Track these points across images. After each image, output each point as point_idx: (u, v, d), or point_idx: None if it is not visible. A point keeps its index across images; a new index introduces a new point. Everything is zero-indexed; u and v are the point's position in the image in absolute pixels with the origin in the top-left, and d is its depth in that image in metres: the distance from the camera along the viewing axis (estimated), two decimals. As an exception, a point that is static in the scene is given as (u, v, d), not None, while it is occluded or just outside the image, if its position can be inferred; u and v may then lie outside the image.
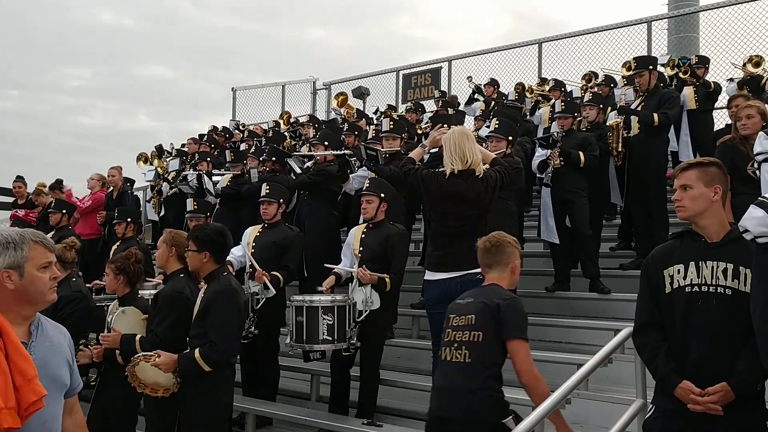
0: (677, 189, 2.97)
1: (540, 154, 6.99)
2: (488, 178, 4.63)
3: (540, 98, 9.85)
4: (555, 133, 7.01)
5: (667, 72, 8.51)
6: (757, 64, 8.49)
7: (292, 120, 12.89)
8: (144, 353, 4.11)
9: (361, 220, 5.97)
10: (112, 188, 9.68)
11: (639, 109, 7.04)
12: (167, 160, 11.31)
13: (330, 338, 4.91)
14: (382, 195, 5.53)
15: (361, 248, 5.41)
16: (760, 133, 4.02)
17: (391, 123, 7.03)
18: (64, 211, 8.72)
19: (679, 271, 2.88)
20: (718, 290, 2.80)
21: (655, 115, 6.78)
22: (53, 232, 8.59)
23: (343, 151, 7.73)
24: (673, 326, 2.89)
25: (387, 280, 5.16)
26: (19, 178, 10.81)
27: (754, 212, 2.55)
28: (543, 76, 11.92)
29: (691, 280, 2.85)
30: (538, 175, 7.22)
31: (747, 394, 2.74)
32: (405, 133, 7.47)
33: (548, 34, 13.08)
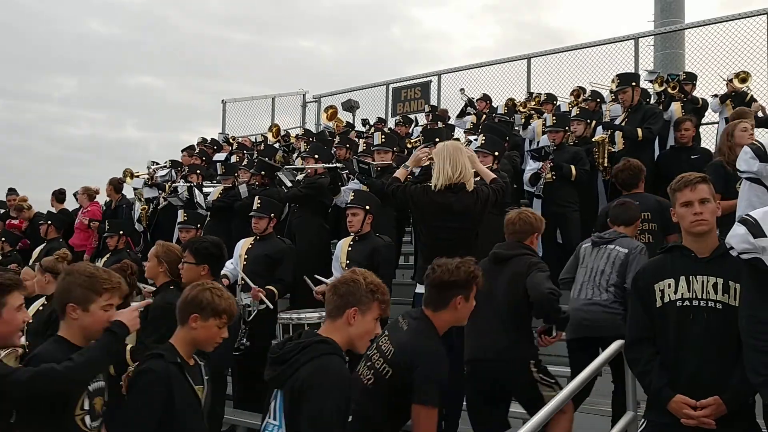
0: (695, 202, 2.92)
1: (532, 167, 7.04)
2: (479, 192, 4.65)
3: (532, 112, 9.92)
4: (548, 146, 7.07)
5: (656, 88, 8.62)
6: (743, 80, 8.59)
7: (282, 133, 12.89)
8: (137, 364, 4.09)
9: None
10: (110, 200, 9.70)
11: (623, 124, 7.13)
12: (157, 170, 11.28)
13: None
14: (367, 207, 5.56)
15: (347, 261, 5.43)
16: (746, 148, 3.99)
17: (383, 136, 7.08)
18: (49, 222, 8.70)
19: (669, 285, 2.91)
20: (709, 305, 2.83)
21: (639, 130, 6.88)
22: (44, 244, 8.55)
23: (334, 164, 7.76)
24: (666, 340, 2.92)
25: None
26: (12, 191, 10.76)
27: (737, 229, 2.62)
28: (532, 90, 12.01)
29: (682, 294, 2.88)
30: (528, 189, 7.26)
31: (739, 408, 2.78)
32: (396, 146, 7.51)
33: (539, 48, 13.17)
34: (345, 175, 8.05)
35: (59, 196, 10.04)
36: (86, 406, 2.68)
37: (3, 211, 10.91)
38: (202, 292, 2.91)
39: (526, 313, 3.93)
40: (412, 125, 11.79)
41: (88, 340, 2.77)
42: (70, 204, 10.10)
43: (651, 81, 8.73)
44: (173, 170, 10.64)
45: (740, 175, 4.02)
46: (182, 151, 11.84)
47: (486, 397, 3.97)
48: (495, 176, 4.93)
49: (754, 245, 2.55)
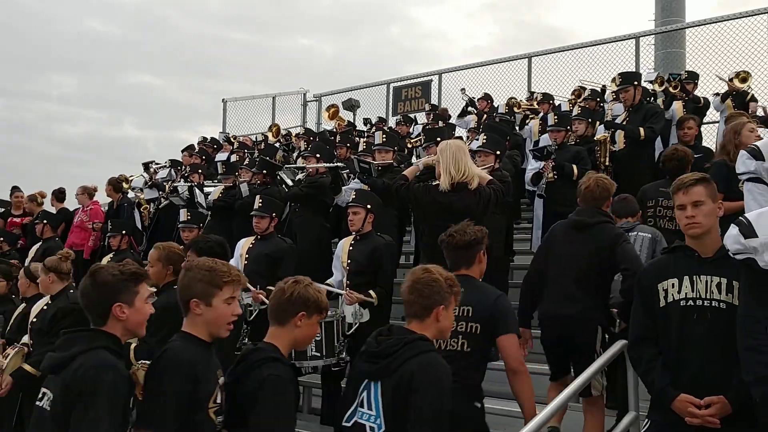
0: (687, 205, 2.94)
1: (533, 166, 7.04)
2: (482, 192, 4.65)
3: (529, 112, 9.93)
4: (549, 146, 7.07)
5: (656, 88, 8.62)
6: (744, 80, 8.60)
7: (283, 132, 12.88)
8: (142, 362, 4.08)
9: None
10: (111, 200, 9.72)
11: (624, 123, 7.13)
12: (158, 170, 11.29)
13: (318, 354, 4.92)
14: (369, 206, 5.56)
15: (349, 260, 5.44)
16: (742, 152, 4.05)
17: (384, 136, 7.07)
18: (45, 221, 8.71)
19: (673, 285, 2.92)
20: (713, 304, 2.84)
21: (641, 129, 6.89)
22: (39, 243, 8.56)
23: (335, 164, 7.76)
24: (669, 339, 2.93)
25: (373, 294, 5.19)
26: (16, 188, 10.75)
27: (731, 230, 2.66)
28: (533, 89, 12.03)
29: (686, 294, 2.89)
30: (530, 188, 7.25)
31: (743, 408, 2.77)
32: (397, 146, 7.51)
33: (540, 47, 13.19)
34: (345, 175, 8.05)
35: (59, 195, 10.05)
36: (219, 400, 2.62)
37: (2, 210, 10.91)
38: (306, 288, 2.75)
39: (607, 280, 4.11)
40: (413, 124, 11.80)
41: (212, 336, 2.71)
42: (71, 204, 10.11)
43: (651, 81, 8.74)
44: (172, 170, 10.65)
45: (740, 177, 4.07)
46: (182, 151, 11.85)
47: (566, 350, 4.16)
48: (491, 177, 4.94)
49: (744, 246, 2.58)
